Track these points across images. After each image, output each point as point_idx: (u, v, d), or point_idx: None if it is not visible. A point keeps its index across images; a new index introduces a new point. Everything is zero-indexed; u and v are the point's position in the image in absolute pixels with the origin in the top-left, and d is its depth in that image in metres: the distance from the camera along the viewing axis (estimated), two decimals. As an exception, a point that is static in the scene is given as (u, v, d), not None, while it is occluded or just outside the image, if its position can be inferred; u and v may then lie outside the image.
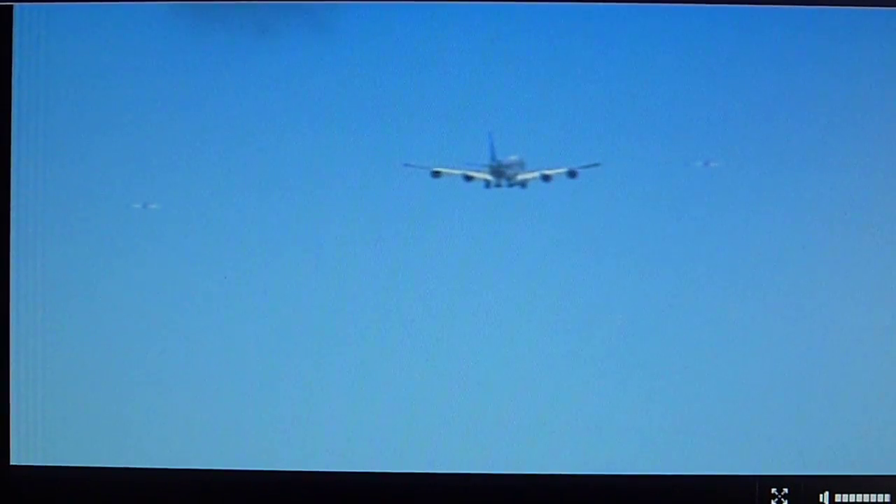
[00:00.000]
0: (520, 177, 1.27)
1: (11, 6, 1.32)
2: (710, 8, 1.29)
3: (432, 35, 1.29)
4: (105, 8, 1.32)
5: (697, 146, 1.29)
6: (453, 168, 1.27)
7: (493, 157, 1.27)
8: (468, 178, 1.28)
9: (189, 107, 1.31)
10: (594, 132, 1.28)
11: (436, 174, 1.27)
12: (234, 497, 1.32)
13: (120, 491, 1.32)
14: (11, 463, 1.32)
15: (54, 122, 1.32)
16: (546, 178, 1.27)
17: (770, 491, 1.30)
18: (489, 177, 1.27)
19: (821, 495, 1.30)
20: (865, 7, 1.29)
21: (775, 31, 1.29)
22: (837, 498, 1.30)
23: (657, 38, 1.29)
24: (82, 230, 1.31)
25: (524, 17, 1.29)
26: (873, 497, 1.30)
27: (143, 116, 1.32)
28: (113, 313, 1.31)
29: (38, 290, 1.32)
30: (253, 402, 1.31)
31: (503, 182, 1.27)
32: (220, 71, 1.31)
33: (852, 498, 1.30)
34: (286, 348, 1.30)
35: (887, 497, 1.30)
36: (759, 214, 1.29)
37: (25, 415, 1.32)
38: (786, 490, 1.30)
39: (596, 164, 1.27)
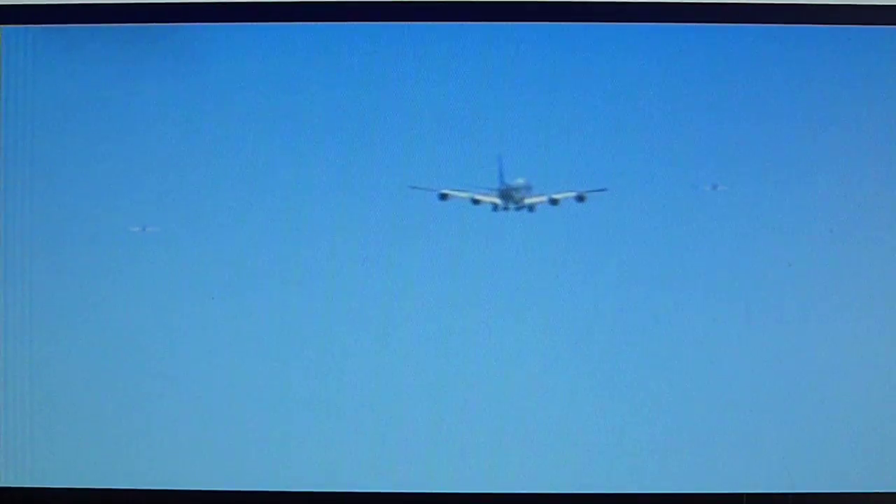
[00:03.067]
0: (527, 200, 1.27)
1: None
2: (717, 32, 1.29)
3: (443, 57, 1.29)
4: (95, 31, 1.31)
5: (705, 170, 1.29)
6: (461, 190, 1.27)
7: (501, 181, 1.27)
8: (475, 202, 1.27)
9: (187, 128, 1.31)
10: (603, 156, 1.28)
11: (443, 196, 1.27)
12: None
13: None
14: (-3, 485, 1.32)
15: (45, 148, 1.31)
16: (554, 201, 1.27)
17: None
18: (497, 200, 1.27)
19: None
20: (874, 26, 1.30)
21: (782, 55, 1.29)
22: None
23: (665, 64, 1.29)
24: (71, 252, 1.31)
25: (536, 41, 1.28)
26: None
27: (137, 139, 1.31)
28: (101, 335, 1.31)
29: (24, 314, 1.31)
30: (243, 424, 1.31)
31: (511, 205, 1.27)
32: (220, 91, 1.30)
33: None
34: (285, 370, 1.30)
35: None
36: (765, 238, 1.30)
37: (10, 437, 1.32)
38: None
39: (603, 189, 1.27)
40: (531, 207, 1.27)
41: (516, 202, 1.27)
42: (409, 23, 1.29)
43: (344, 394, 1.30)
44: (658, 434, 1.31)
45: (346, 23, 1.29)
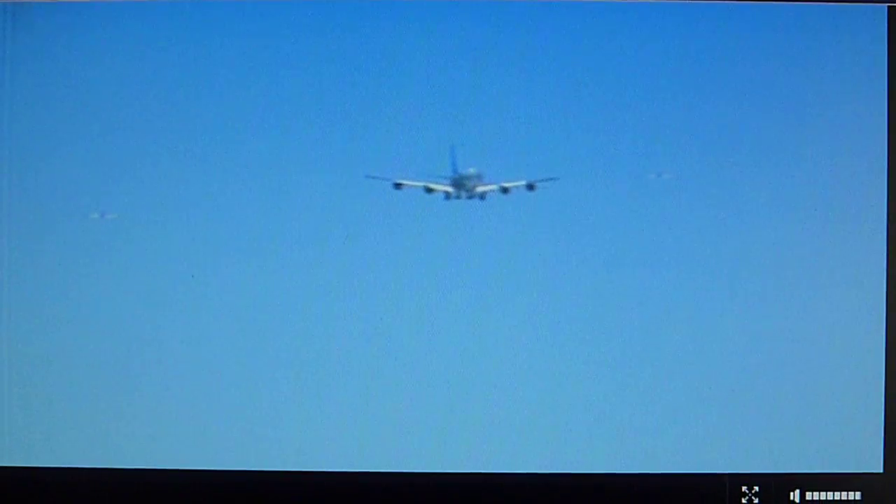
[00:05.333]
0: (479, 189, 1.31)
1: None
2: (666, 12, 1.32)
3: (394, 51, 1.32)
4: (70, 7, 1.32)
5: (650, 159, 1.32)
6: (415, 180, 1.31)
7: (454, 170, 1.31)
8: (429, 190, 1.31)
9: (148, 114, 1.32)
10: (551, 146, 1.32)
11: (398, 186, 1.30)
12: (210, 498, 1.33)
13: (96, 492, 1.32)
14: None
15: (12, 130, 1.32)
16: (504, 190, 1.31)
17: (740, 489, 1.31)
18: (449, 188, 1.31)
19: (791, 493, 1.31)
20: (826, 3, 1.32)
21: (720, 43, 1.32)
22: (808, 496, 1.31)
23: (608, 58, 1.32)
24: (48, 234, 1.32)
25: (486, 34, 1.32)
26: (844, 495, 1.32)
27: (102, 124, 1.32)
28: (85, 315, 1.32)
29: (4, 293, 1.32)
30: (223, 403, 1.32)
31: (463, 194, 1.31)
32: (181, 77, 1.32)
33: (823, 496, 1.32)
34: (254, 351, 1.32)
35: (858, 495, 1.32)
36: (713, 221, 1.32)
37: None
38: (756, 488, 1.31)
39: (553, 178, 1.31)
40: (482, 196, 1.31)
41: (468, 191, 1.31)
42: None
43: (302, 374, 1.32)
44: (638, 414, 1.31)
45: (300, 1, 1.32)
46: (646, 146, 1.32)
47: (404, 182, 1.31)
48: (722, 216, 1.32)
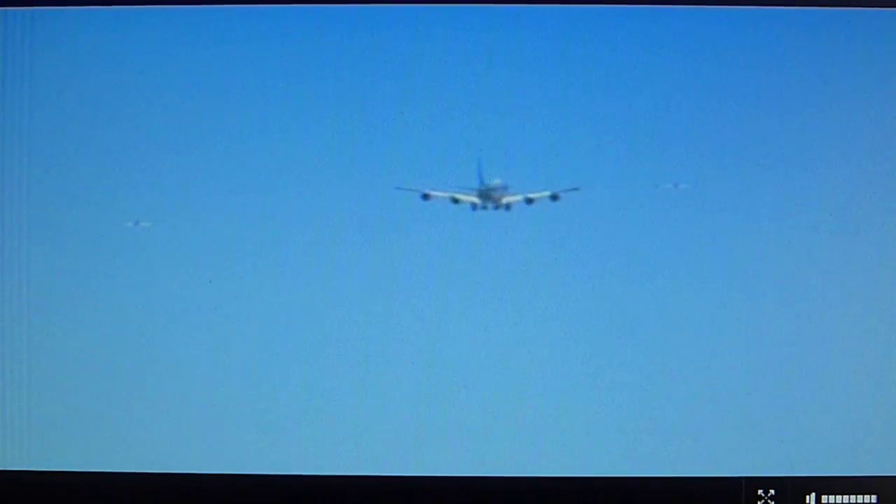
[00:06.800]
0: (504, 199, 1.33)
1: None
2: (675, 36, 1.32)
3: (420, 63, 1.33)
4: (94, 13, 1.31)
5: (668, 169, 1.33)
6: (442, 191, 1.33)
7: (480, 181, 1.33)
8: (455, 201, 1.33)
9: (177, 123, 1.33)
10: (575, 157, 1.33)
11: (425, 197, 1.33)
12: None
13: (98, 496, 1.33)
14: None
15: (41, 136, 1.32)
16: (529, 200, 1.33)
17: (756, 492, 1.33)
18: (476, 199, 1.33)
19: (807, 496, 1.33)
20: (834, 8, 1.32)
21: (740, 50, 1.33)
22: (824, 499, 1.33)
23: (631, 68, 1.33)
24: (69, 242, 1.33)
25: (510, 45, 1.33)
26: (860, 498, 1.33)
27: (136, 132, 1.32)
28: (96, 325, 1.33)
29: (22, 300, 1.33)
30: (237, 409, 1.34)
31: (489, 204, 1.33)
32: (208, 85, 1.33)
33: (839, 499, 1.33)
34: (273, 359, 1.34)
35: (874, 498, 1.33)
36: (732, 228, 1.33)
37: (4, 420, 1.34)
38: (772, 491, 1.32)
39: (576, 189, 1.33)
40: (508, 206, 1.33)
41: (494, 201, 1.33)
42: (384, 5, 1.32)
43: (331, 381, 1.34)
44: (656, 418, 1.33)
45: (331, 4, 1.33)
46: (670, 155, 1.33)
47: (432, 193, 1.33)
48: (742, 223, 1.33)
